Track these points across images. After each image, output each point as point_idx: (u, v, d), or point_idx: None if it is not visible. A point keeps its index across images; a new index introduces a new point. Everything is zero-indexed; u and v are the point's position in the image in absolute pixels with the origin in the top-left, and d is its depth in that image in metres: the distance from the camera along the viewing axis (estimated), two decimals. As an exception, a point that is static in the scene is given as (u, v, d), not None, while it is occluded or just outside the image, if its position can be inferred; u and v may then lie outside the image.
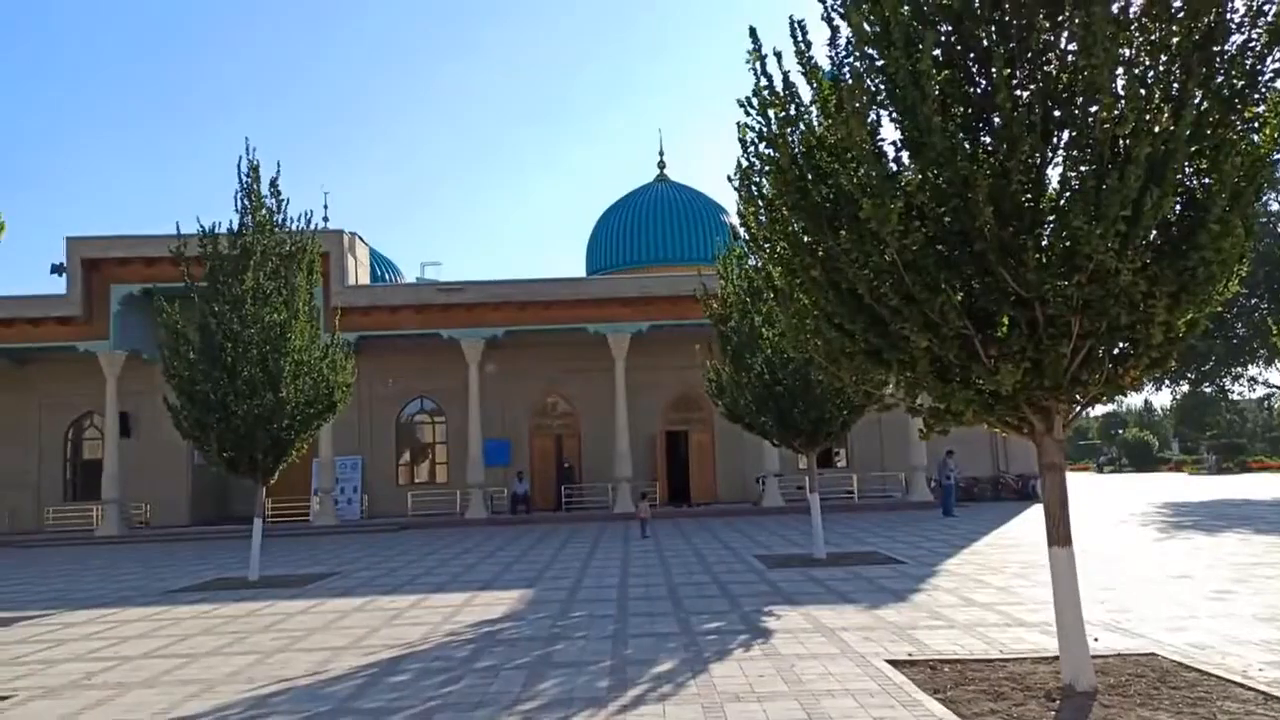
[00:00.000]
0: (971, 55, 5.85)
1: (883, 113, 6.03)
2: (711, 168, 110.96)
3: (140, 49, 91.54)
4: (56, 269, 25.73)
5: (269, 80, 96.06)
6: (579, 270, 41.78)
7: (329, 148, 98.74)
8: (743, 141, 6.93)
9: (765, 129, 6.56)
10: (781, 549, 16.83)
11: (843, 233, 6.10)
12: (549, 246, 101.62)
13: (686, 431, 31.11)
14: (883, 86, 5.94)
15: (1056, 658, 6.63)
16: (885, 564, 14.05)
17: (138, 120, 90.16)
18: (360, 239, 30.09)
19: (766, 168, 6.66)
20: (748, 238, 10.16)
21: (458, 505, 28.89)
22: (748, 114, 6.72)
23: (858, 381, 7.16)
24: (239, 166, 15.13)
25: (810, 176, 6.32)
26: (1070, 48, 5.61)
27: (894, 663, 7.30)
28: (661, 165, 42.32)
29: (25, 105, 75.64)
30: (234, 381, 14.23)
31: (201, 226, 15.01)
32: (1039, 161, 5.77)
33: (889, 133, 6.07)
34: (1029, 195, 5.75)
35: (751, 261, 14.51)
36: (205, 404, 14.32)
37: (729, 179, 11.09)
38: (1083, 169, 5.54)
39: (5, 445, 29.11)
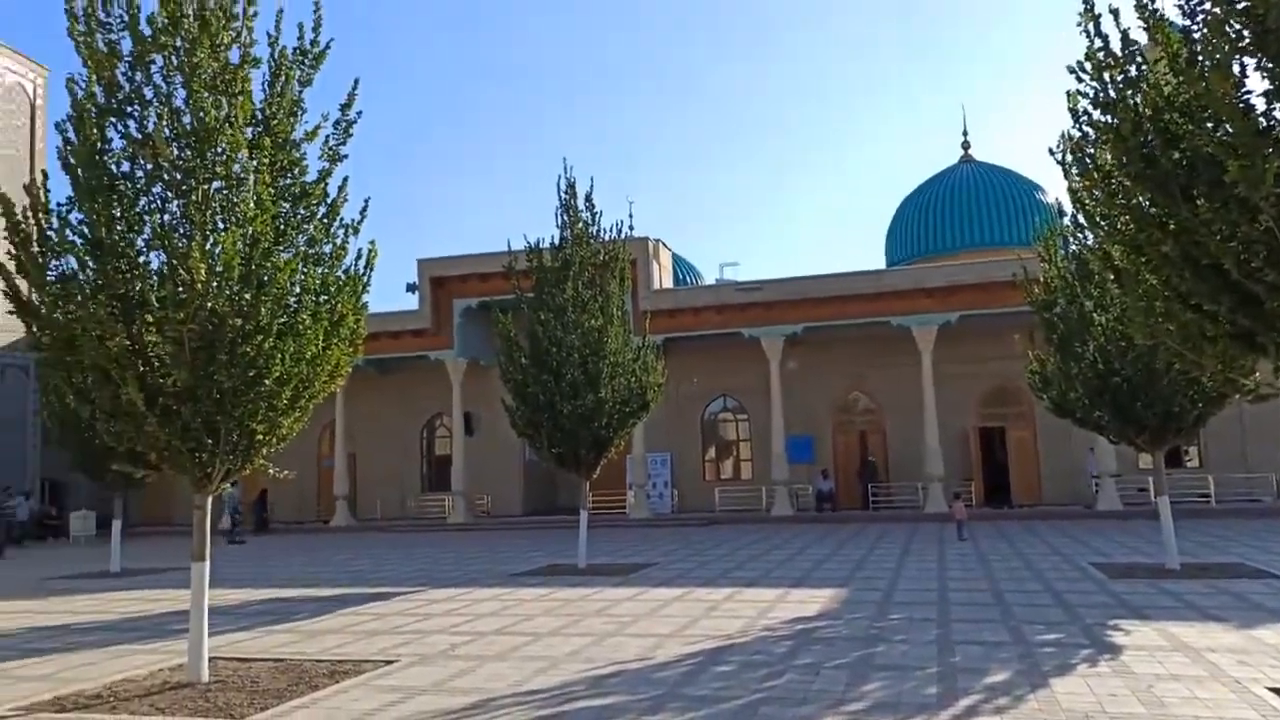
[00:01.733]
0: (1366, -20, 4.94)
1: (1248, 61, 5.27)
2: (1022, 144, 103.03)
3: (448, 61, 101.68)
4: (410, 287, 29.44)
5: (570, 86, 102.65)
6: (877, 262, 40.63)
7: (626, 151, 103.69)
8: (1073, 111, 6.37)
9: (1101, 94, 5.99)
10: (1123, 557, 15.24)
11: (1200, 201, 5.42)
12: (845, 239, 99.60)
13: (1003, 428, 29.13)
14: (1247, 32, 5.19)
15: None
16: (1257, 578, 12.25)
17: (452, 134, 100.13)
18: (663, 244, 31.38)
19: (1103, 136, 6.07)
20: (1079, 214, 9.33)
21: (763, 501, 29.20)
22: (1079, 80, 6.17)
23: (1222, 369, 6.31)
24: (558, 184, 16.43)
25: (1157, 142, 5.67)
26: None
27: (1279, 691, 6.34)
28: (965, 145, 40.07)
29: (377, 129, 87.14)
30: (559, 383, 15.43)
31: (528, 242, 16.47)
32: None
33: (1255, 84, 5.30)
34: None
35: (1082, 240, 13.28)
36: (535, 404, 15.67)
37: (1051, 152, 10.29)
38: None
39: (377, 443, 33.67)
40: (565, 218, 16.47)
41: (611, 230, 16.77)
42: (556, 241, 16.43)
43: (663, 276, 30.97)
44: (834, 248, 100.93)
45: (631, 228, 17.40)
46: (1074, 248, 13.83)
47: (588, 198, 16.56)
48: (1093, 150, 6.40)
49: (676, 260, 36.75)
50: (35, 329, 7.63)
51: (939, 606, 10.69)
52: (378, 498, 33.30)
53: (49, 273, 7.36)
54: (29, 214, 7.31)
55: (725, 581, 13.91)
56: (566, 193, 16.50)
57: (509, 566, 17.03)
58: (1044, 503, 27.64)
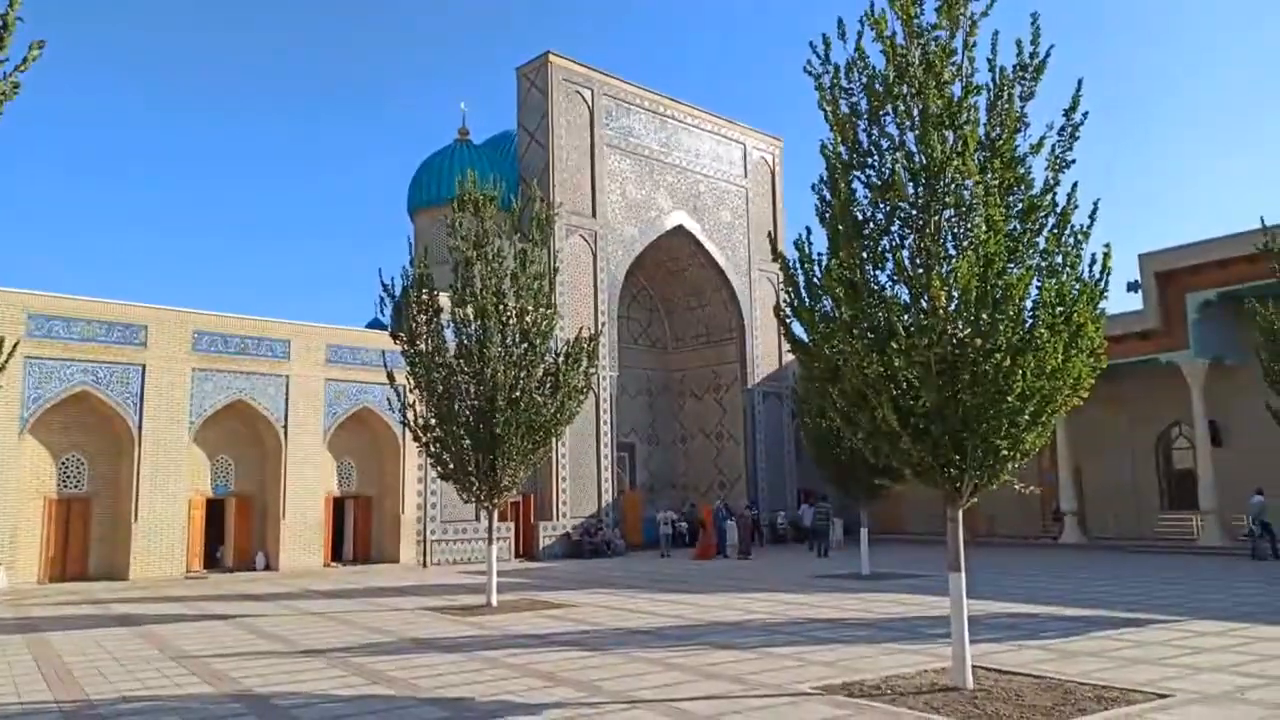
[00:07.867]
0: None
1: None
2: None
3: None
4: (1131, 286, 26.90)
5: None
6: None
7: None
8: None
9: None
10: None
11: None
12: None
13: None
14: None
15: None
16: None
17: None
18: None
19: None
20: None
21: None
22: None
23: None
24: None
25: None
26: None
27: None
28: None
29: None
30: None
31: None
32: None
33: None
34: None
35: None
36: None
37: None
38: None
39: (1103, 456, 31.40)
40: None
41: None
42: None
43: None
44: None
45: None
46: None
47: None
48: None
49: None
50: (806, 362, 8.95)
51: None
52: (1110, 514, 30.99)
53: (814, 313, 8.58)
54: (797, 266, 8.65)
55: None
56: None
57: (1293, 603, 14.28)
58: None
